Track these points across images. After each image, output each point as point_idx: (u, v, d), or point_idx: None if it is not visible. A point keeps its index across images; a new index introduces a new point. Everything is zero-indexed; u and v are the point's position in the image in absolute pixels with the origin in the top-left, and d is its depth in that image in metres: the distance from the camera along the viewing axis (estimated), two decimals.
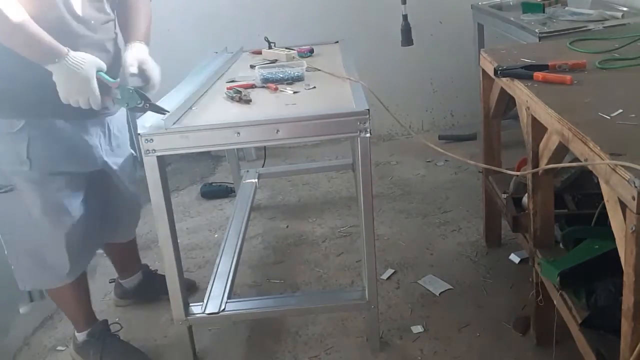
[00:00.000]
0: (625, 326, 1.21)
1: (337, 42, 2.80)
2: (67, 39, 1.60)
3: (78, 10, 1.65)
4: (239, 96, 1.93)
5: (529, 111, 1.68)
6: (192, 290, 2.38)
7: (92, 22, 1.70)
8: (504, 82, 1.90)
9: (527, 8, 2.84)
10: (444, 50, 3.72)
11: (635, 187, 1.05)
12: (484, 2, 3.25)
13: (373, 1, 3.62)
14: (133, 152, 2.04)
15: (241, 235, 2.47)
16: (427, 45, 3.62)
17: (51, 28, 1.56)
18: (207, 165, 3.77)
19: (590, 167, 1.30)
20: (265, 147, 3.24)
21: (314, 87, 2.03)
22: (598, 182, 1.27)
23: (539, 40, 2.39)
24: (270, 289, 2.41)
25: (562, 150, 1.55)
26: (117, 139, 1.95)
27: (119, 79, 1.66)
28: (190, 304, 1.95)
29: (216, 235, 2.88)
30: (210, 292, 2.04)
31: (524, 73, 1.76)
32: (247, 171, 3.13)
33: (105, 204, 1.98)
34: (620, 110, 1.40)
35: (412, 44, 2.88)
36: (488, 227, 2.48)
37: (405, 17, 2.82)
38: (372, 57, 3.59)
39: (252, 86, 2.09)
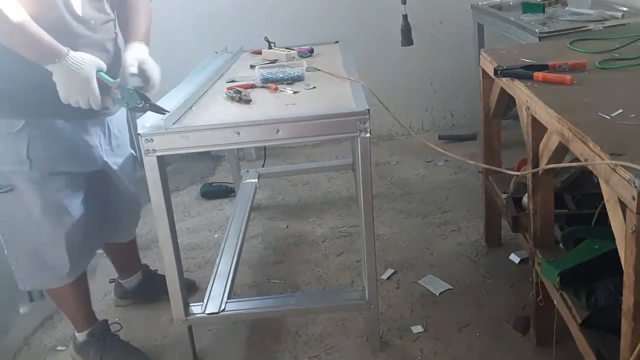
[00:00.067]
0: (625, 326, 1.21)
1: (337, 42, 2.80)
2: (67, 39, 1.60)
3: (78, 10, 1.65)
4: (239, 96, 1.93)
5: (529, 111, 1.68)
6: (192, 290, 2.38)
7: (92, 22, 1.70)
8: (504, 82, 1.90)
9: (527, 8, 2.84)
10: (444, 50, 3.72)
11: (635, 187, 1.05)
12: (484, 2, 3.25)
13: (373, 1, 3.62)
14: (133, 152, 2.04)
15: (241, 235, 2.47)
16: (427, 45, 3.62)
17: (51, 28, 1.56)
18: (207, 165, 3.77)
19: (590, 167, 1.30)
20: (265, 147, 3.24)
21: (314, 87, 2.03)
22: (598, 182, 1.27)
23: (539, 40, 2.39)
24: (270, 289, 2.41)
25: (562, 150, 1.55)
26: (117, 139, 1.95)
27: (118, 79, 1.66)
28: (190, 304, 1.95)
29: (216, 235, 2.88)
30: (210, 292, 2.04)
31: (524, 73, 1.76)
32: (247, 171, 3.13)
33: (105, 204, 1.98)
34: (620, 110, 1.40)
35: (412, 44, 2.88)
36: (488, 227, 2.48)
37: (405, 17, 2.82)
38: (372, 57, 3.59)
39: (252, 86, 2.09)
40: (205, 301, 1.99)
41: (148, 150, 1.68)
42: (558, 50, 2.03)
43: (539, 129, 1.65)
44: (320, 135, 1.85)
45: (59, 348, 2.18)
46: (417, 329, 2.06)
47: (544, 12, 2.74)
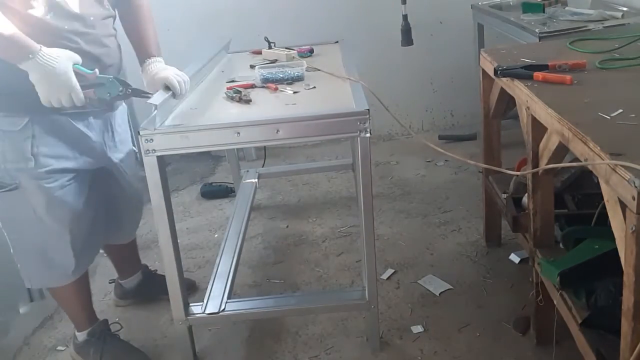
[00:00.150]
0: (625, 326, 1.21)
1: (337, 42, 2.80)
2: (65, 37, 1.61)
3: (75, 8, 1.65)
4: (239, 96, 1.94)
5: (529, 111, 1.68)
6: (192, 290, 2.38)
7: (92, 18, 1.70)
8: (504, 82, 1.90)
9: (527, 8, 2.84)
10: (444, 50, 3.71)
11: (635, 187, 1.05)
12: (484, 2, 3.24)
13: (373, 1, 3.62)
14: (134, 148, 2.05)
15: (241, 235, 2.47)
16: (427, 45, 3.62)
17: (46, 28, 1.56)
18: (207, 165, 3.77)
19: (590, 167, 1.30)
20: (265, 147, 3.24)
21: (314, 87, 2.03)
22: (598, 182, 1.27)
23: (539, 40, 2.39)
24: (270, 289, 2.41)
25: (562, 150, 1.55)
26: (119, 135, 1.96)
27: (96, 69, 1.63)
28: (190, 304, 1.95)
29: (216, 235, 2.88)
30: (210, 292, 2.04)
31: (524, 73, 1.76)
32: (247, 171, 3.13)
33: (109, 201, 1.99)
34: (620, 110, 1.40)
35: (412, 44, 2.88)
36: (488, 227, 2.48)
37: (405, 17, 2.83)
38: (372, 57, 3.59)
39: (252, 86, 2.09)
40: (205, 301, 1.99)
41: (148, 150, 1.68)
42: (558, 50, 2.03)
43: (539, 129, 1.65)
44: (320, 135, 1.85)
45: (59, 348, 2.18)
46: (417, 329, 2.06)
47: (544, 12, 2.74)
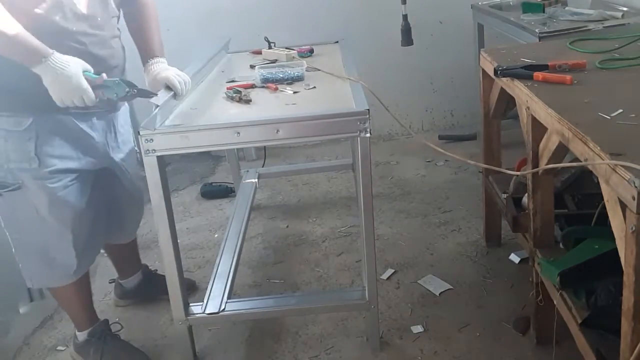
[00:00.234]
0: (625, 326, 1.21)
1: (337, 42, 2.80)
2: (72, 38, 1.62)
3: (83, 9, 1.65)
4: (239, 96, 1.94)
5: (529, 111, 1.68)
6: (192, 290, 2.38)
7: (99, 19, 1.71)
8: (504, 82, 1.90)
9: (527, 8, 2.84)
10: (444, 50, 3.71)
11: (635, 187, 1.05)
12: (484, 2, 3.24)
13: (373, 1, 3.62)
14: (136, 148, 2.05)
15: (241, 235, 2.47)
16: (427, 45, 3.62)
17: (54, 29, 1.57)
18: (207, 165, 3.77)
19: (590, 167, 1.30)
20: (265, 147, 3.24)
21: (314, 87, 2.03)
22: (598, 182, 1.27)
23: (539, 40, 2.39)
24: (270, 289, 2.41)
25: (562, 150, 1.55)
26: (122, 135, 1.96)
27: (103, 74, 1.65)
28: (190, 304, 1.95)
29: (216, 235, 2.88)
30: (210, 292, 2.04)
31: (524, 73, 1.76)
32: (247, 171, 3.13)
33: (111, 200, 1.99)
34: (620, 110, 1.40)
35: (412, 44, 2.88)
36: (488, 227, 2.48)
37: (405, 17, 2.82)
38: (372, 57, 3.58)
39: (252, 86, 2.09)
40: (205, 301, 1.99)
41: (148, 150, 1.68)
42: (558, 50, 2.03)
43: (539, 129, 1.65)
44: (320, 135, 1.85)
45: (59, 348, 2.18)
46: (417, 329, 2.06)
47: (544, 12, 2.74)
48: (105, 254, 2.31)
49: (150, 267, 2.42)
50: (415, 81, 3.83)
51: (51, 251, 1.82)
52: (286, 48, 2.52)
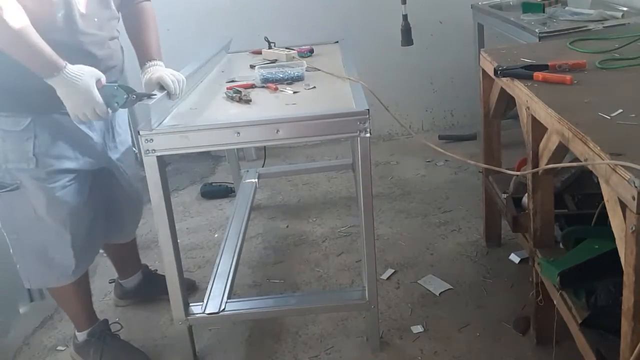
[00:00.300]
0: (625, 326, 1.21)
1: (337, 42, 2.80)
2: (70, 37, 1.61)
3: (82, 8, 1.65)
4: (239, 96, 1.93)
5: (529, 111, 1.68)
6: (192, 290, 2.38)
7: (96, 19, 1.71)
8: (504, 82, 1.90)
9: (527, 8, 2.84)
10: (444, 50, 3.72)
11: (635, 187, 1.05)
12: (484, 2, 3.24)
13: (373, 1, 3.62)
14: (134, 148, 2.05)
15: (241, 235, 2.47)
16: (427, 45, 3.62)
17: (53, 27, 1.56)
18: (207, 165, 3.77)
19: (590, 167, 1.30)
20: (265, 147, 3.24)
21: (314, 87, 2.03)
22: (598, 182, 1.27)
23: (539, 40, 2.39)
24: (270, 289, 2.41)
25: (562, 150, 1.55)
26: (120, 135, 1.97)
27: (101, 79, 1.64)
28: (190, 304, 1.95)
29: (216, 235, 2.88)
30: (210, 292, 2.04)
31: (524, 73, 1.76)
32: (247, 171, 3.13)
33: (109, 201, 1.99)
34: (620, 110, 1.40)
35: (412, 44, 2.88)
36: (488, 227, 2.48)
37: (405, 17, 2.82)
38: (372, 57, 3.59)
39: (252, 86, 2.09)
40: (205, 301, 1.99)
41: (148, 150, 1.68)
42: (558, 50, 2.03)
43: (539, 129, 1.65)
44: (320, 135, 1.85)
45: (59, 348, 2.18)
46: (417, 329, 2.06)
47: (544, 12, 2.75)
48: (105, 254, 2.31)
49: (150, 267, 2.42)
50: (415, 81, 3.83)
51: (49, 251, 1.82)
52: (286, 48, 2.52)
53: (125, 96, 1.64)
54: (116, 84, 1.65)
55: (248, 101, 1.92)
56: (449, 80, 3.83)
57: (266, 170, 3.22)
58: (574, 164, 1.47)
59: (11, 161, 1.70)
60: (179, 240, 1.89)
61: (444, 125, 3.94)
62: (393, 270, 2.41)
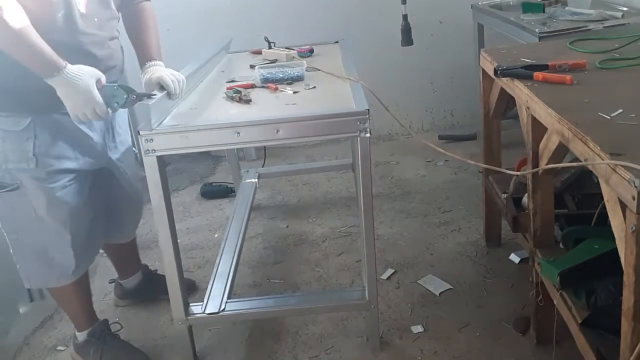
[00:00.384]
0: (625, 326, 1.21)
1: (337, 42, 2.80)
2: (69, 37, 1.61)
3: (82, 8, 1.65)
4: (239, 96, 1.93)
5: (529, 111, 1.68)
6: (192, 290, 2.38)
7: (96, 19, 1.71)
8: (504, 82, 1.90)
9: (527, 8, 2.84)
10: (444, 50, 3.72)
11: (635, 187, 1.05)
12: (484, 2, 3.25)
13: (373, 1, 3.62)
14: (134, 148, 2.05)
15: (241, 235, 2.47)
16: (427, 45, 3.62)
17: (53, 27, 1.56)
18: (207, 165, 3.77)
19: (590, 167, 1.30)
20: (265, 147, 3.24)
21: (314, 87, 2.03)
22: (598, 182, 1.27)
23: (539, 40, 2.39)
24: (270, 289, 2.41)
25: (562, 150, 1.55)
26: (120, 135, 1.97)
27: (101, 79, 1.64)
28: (190, 304, 1.95)
29: (216, 235, 2.88)
30: (210, 292, 2.04)
31: (524, 73, 1.76)
32: (247, 171, 3.13)
33: (109, 201, 1.99)
34: (620, 110, 1.40)
35: (412, 44, 2.88)
36: (488, 227, 2.48)
37: (405, 17, 2.82)
38: (372, 57, 3.59)
39: (252, 86, 2.09)
40: (205, 301, 1.99)
41: (148, 150, 1.68)
42: (558, 50, 2.03)
43: (539, 129, 1.65)
44: (320, 135, 1.85)
45: (59, 348, 2.18)
46: (417, 329, 2.06)
47: (544, 12, 2.75)
48: (105, 254, 2.31)
49: (150, 267, 2.42)
50: (415, 81, 3.83)
51: (49, 251, 1.82)
52: (286, 48, 2.52)
53: (125, 96, 1.64)
54: (116, 84, 1.65)
55: (248, 101, 1.92)
56: (449, 80, 3.83)
57: (266, 170, 3.22)
58: (574, 164, 1.47)
59: (11, 161, 1.70)
60: (179, 240, 1.89)
61: (444, 125, 3.94)
62: (393, 270, 2.41)
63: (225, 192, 3.30)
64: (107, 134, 1.89)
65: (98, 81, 1.60)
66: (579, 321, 1.48)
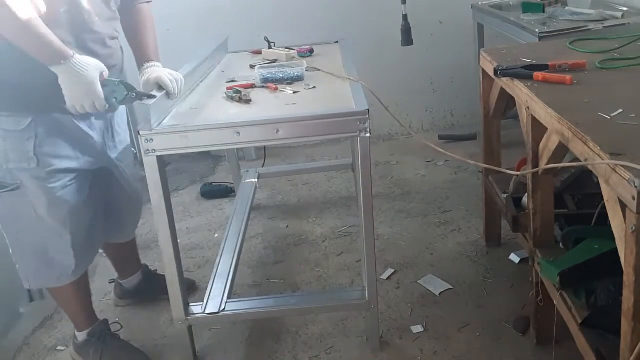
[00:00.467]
0: (625, 326, 1.21)
1: (337, 42, 2.80)
2: (72, 33, 1.62)
3: (85, 4, 1.66)
4: (239, 96, 1.93)
5: (529, 111, 1.68)
6: (192, 290, 2.38)
7: (96, 18, 1.71)
8: (504, 82, 1.90)
9: (527, 8, 2.84)
10: (444, 50, 3.72)
11: (635, 187, 1.05)
12: (484, 2, 3.25)
13: (373, 1, 3.62)
14: (133, 149, 2.05)
15: (241, 235, 2.47)
16: (427, 45, 3.62)
17: (57, 23, 1.57)
18: (207, 165, 3.77)
19: (590, 167, 1.30)
20: (265, 147, 3.24)
21: (314, 87, 2.03)
22: (598, 182, 1.27)
23: (539, 40, 2.39)
24: (270, 289, 2.41)
25: (562, 150, 1.55)
26: (119, 135, 1.97)
27: (103, 72, 1.64)
28: (190, 304, 1.95)
29: (216, 235, 2.88)
30: (210, 292, 2.04)
31: (524, 73, 1.76)
32: (247, 171, 3.13)
33: (109, 200, 1.99)
34: (620, 110, 1.40)
35: (412, 44, 2.88)
36: (488, 227, 2.48)
37: (405, 17, 2.82)
38: (372, 57, 3.59)
39: (252, 86, 2.09)
40: (205, 301, 1.99)
41: (148, 150, 1.68)
42: (558, 50, 2.03)
43: (539, 129, 1.65)
44: (320, 135, 1.85)
45: (59, 348, 2.18)
46: (417, 329, 2.06)
47: (544, 12, 2.75)
48: (105, 254, 2.31)
49: (150, 267, 2.42)
50: (415, 81, 3.83)
51: (49, 251, 1.82)
52: (286, 48, 2.52)
53: (125, 93, 1.64)
54: (117, 80, 1.65)
55: (248, 101, 1.92)
56: (449, 80, 3.83)
57: (266, 170, 3.22)
58: (574, 164, 1.47)
59: (12, 161, 1.70)
60: (179, 240, 1.89)
61: (444, 125, 3.94)
62: (393, 270, 2.41)
63: (225, 192, 3.30)
64: (106, 134, 1.89)
65: (101, 74, 1.61)
66: (579, 321, 1.48)
